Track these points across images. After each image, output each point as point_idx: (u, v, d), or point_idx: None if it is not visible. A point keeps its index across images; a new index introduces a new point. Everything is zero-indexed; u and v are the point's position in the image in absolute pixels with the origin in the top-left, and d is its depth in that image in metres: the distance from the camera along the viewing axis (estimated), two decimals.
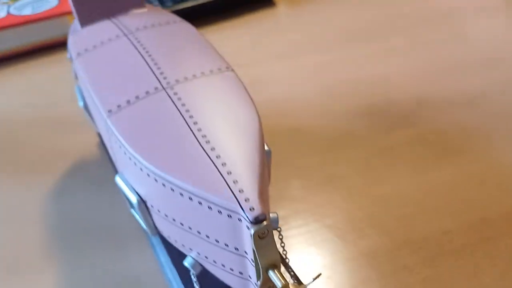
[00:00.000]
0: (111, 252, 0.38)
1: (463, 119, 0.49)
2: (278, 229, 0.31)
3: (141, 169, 0.27)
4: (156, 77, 0.31)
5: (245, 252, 0.25)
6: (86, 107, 0.39)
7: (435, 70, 0.56)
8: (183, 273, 0.34)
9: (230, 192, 0.24)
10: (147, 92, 0.30)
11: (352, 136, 0.48)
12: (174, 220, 0.28)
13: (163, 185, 0.26)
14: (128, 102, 0.29)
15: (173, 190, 0.26)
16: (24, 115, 0.54)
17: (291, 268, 0.33)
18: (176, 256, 0.35)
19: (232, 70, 0.32)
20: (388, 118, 0.49)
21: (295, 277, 0.33)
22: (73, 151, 0.48)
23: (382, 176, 0.43)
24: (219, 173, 0.25)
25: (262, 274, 0.24)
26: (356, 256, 0.36)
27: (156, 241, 0.37)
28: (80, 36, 0.37)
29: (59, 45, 0.65)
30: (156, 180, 0.26)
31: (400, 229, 0.38)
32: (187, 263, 0.29)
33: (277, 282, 0.24)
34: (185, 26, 0.36)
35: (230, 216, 0.24)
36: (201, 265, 0.29)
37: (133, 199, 0.29)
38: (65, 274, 0.37)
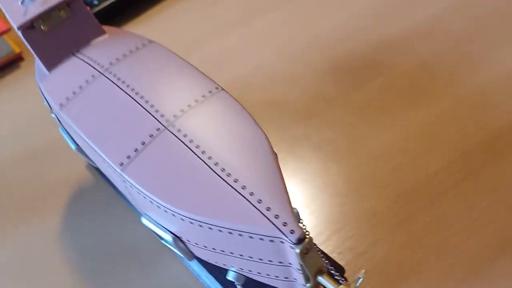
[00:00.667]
0: (141, 271, 0.40)
1: (425, 54, 0.51)
2: (301, 220, 0.33)
3: (173, 214, 0.28)
4: (154, 117, 0.31)
5: (290, 263, 0.28)
6: (80, 149, 0.39)
7: (384, 11, 0.58)
8: (221, 278, 0.37)
9: (268, 221, 0.26)
10: (151, 136, 0.31)
11: (326, 97, 0.50)
12: (214, 249, 0.30)
13: (200, 226, 0.28)
14: (136, 150, 0.30)
15: (211, 228, 0.27)
16: None
17: (329, 264, 0.36)
18: (211, 265, 0.38)
19: (222, 89, 0.33)
20: (354, 71, 0.51)
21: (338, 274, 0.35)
22: (65, 181, 0.48)
23: (365, 132, 0.46)
24: (250, 205, 0.27)
25: (312, 281, 0.27)
26: (363, 218, 0.40)
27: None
28: (53, 83, 0.36)
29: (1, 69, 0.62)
30: (191, 223, 0.28)
31: (394, 182, 0.42)
32: (231, 277, 0.32)
33: (329, 286, 0.27)
34: (156, 48, 0.36)
35: (272, 241, 0.26)
36: (244, 275, 0.32)
37: (168, 237, 0.31)
38: None
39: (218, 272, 0.37)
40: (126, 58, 0.36)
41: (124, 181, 0.30)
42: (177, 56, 0.35)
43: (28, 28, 0.36)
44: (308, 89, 0.51)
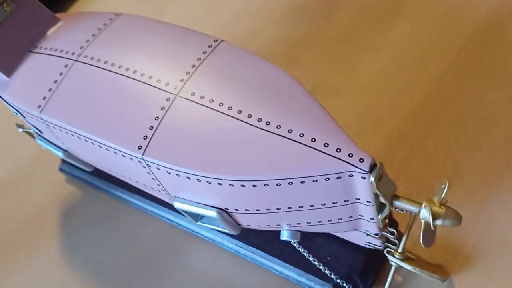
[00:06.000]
0: (162, 275, 0.37)
1: None
2: None
3: (219, 183, 0.25)
4: (158, 88, 0.27)
5: (357, 198, 0.25)
6: (69, 155, 0.34)
7: None
8: (261, 243, 0.34)
9: (331, 157, 0.23)
10: (162, 108, 0.27)
11: (300, 40, 0.47)
12: (268, 209, 0.27)
13: (254, 186, 0.25)
14: (152, 127, 0.26)
15: (267, 185, 0.24)
16: None
17: None
18: (246, 233, 0.35)
19: (222, 40, 0.29)
20: (317, 7, 0.49)
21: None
22: (51, 203, 0.43)
23: (354, 60, 0.44)
24: (305, 146, 0.24)
25: (388, 207, 0.25)
26: (385, 140, 0.38)
27: (214, 235, 0.36)
28: (19, 87, 0.31)
29: None
30: (243, 186, 0.25)
31: (403, 99, 0.40)
32: (285, 237, 0.29)
33: (410, 207, 0.24)
34: (127, 19, 0.32)
35: (340, 178, 0.24)
36: (300, 231, 0.29)
37: (211, 213, 0.27)
38: None
39: (260, 239, 0.34)
40: (97, 37, 0.31)
41: (147, 165, 0.26)
42: (155, 21, 0.31)
43: None
44: (278, 38, 0.48)
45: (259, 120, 0.25)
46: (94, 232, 0.40)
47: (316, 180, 0.24)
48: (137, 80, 0.28)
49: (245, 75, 0.27)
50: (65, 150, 0.33)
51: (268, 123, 0.25)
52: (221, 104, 0.26)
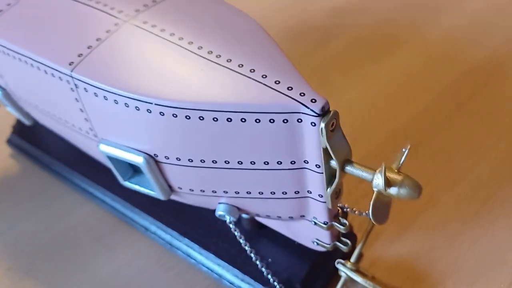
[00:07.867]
0: (99, 255, 0.32)
1: (383, 10, 0.49)
2: None
3: (148, 110, 0.21)
4: (109, 14, 0.25)
5: (305, 161, 0.22)
6: (6, 95, 0.30)
7: None
8: (197, 236, 0.30)
9: (279, 93, 0.20)
10: (108, 31, 0.24)
11: (292, 58, 0.45)
12: (202, 161, 0.23)
13: (187, 118, 0.21)
14: (90, 47, 0.23)
15: (202, 119, 0.21)
16: None
17: None
18: (182, 224, 0.30)
19: None
20: (315, 35, 0.48)
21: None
22: None
23: (341, 83, 0.41)
24: (253, 80, 0.21)
25: (339, 174, 0.21)
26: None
27: (149, 223, 0.31)
28: None
29: None
30: (175, 116, 0.21)
31: (385, 123, 0.37)
32: (221, 211, 0.25)
33: (364, 174, 0.21)
34: None
35: (286, 121, 0.20)
36: (238, 208, 0.25)
37: (138, 159, 0.23)
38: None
39: (190, 228, 0.30)
40: None
41: (76, 87, 0.23)
42: None
43: None
44: None
45: (210, 52, 0.22)
46: (21, 206, 0.36)
47: (259, 120, 0.20)
48: (90, 6, 0.25)
49: (206, 14, 0.24)
50: (4, 89, 0.30)
51: (218, 56, 0.22)
52: (172, 34, 0.23)
